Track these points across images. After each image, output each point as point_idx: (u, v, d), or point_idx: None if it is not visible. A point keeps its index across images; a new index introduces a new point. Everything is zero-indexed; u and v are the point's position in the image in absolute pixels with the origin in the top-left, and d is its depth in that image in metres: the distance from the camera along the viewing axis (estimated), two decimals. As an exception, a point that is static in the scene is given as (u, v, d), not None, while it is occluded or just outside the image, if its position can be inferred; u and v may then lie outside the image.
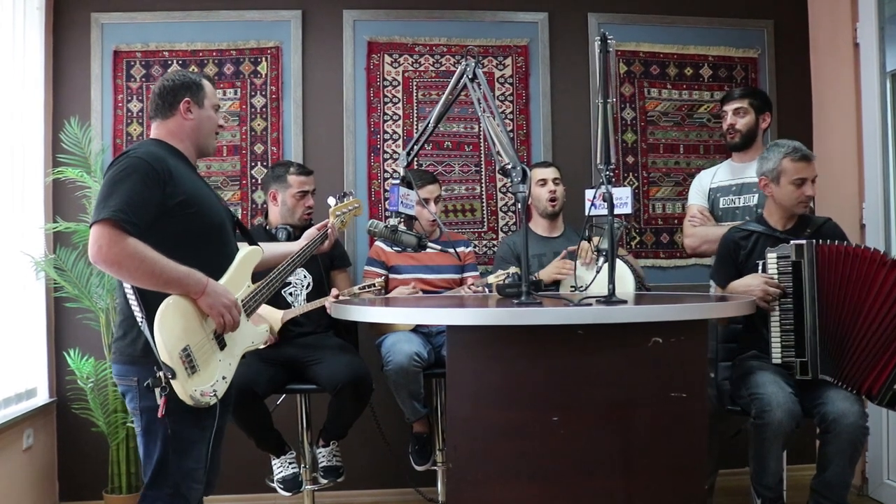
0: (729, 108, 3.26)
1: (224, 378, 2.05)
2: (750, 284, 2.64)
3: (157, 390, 1.90)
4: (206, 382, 1.98)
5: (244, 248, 2.23)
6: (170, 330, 1.91)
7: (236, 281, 2.15)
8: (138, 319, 1.96)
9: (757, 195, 3.15)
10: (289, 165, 3.22)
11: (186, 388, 1.91)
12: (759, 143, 3.27)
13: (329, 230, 2.57)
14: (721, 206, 3.25)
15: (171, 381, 1.89)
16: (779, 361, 2.61)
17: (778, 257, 2.63)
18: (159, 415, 1.91)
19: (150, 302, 1.93)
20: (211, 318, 2.01)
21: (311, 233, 2.57)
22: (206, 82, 2.23)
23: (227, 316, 2.03)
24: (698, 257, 3.60)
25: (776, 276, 2.62)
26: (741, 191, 3.21)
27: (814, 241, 2.61)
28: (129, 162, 1.97)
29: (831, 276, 2.56)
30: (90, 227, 1.90)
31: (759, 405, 2.50)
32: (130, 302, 1.98)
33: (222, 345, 2.07)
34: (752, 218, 3.05)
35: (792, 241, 2.63)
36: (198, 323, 2.00)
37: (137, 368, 2.00)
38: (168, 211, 2.00)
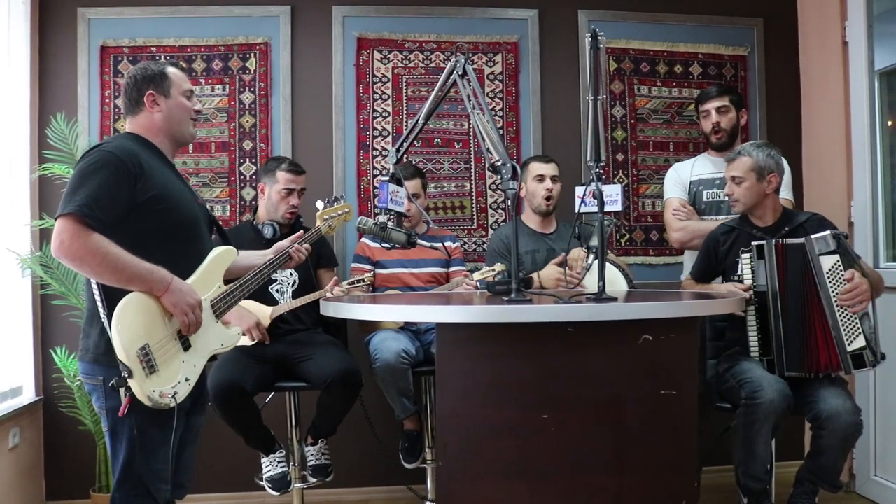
0: (711, 106, 3.24)
1: (187, 380, 1.98)
2: (729, 292, 2.68)
3: (122, 390, 1.86)
4: (167, 383, 1.92)
5: (217, 248, 2.16)
6: (128, 327, 1.85)
7: (206, 280, 2.09)
8: (101, 316, 1.93)
9: None
10: (282, 161, 3.19)
11: (144, 389, 1.86)
12: (738, 139, 3.29)
13: (292, 252, 2.43)
14: (705, 199, 3.25)
15: (129, 381, 1.84)
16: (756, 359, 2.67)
17: (749, 258, 2.67)
18: (120, 414, 1.88)
19: (114, 299, 1.88)
20: (174, 316, 1.96)
21: (281, 245, 2.46)
22: (171, 70, 2.14)
23: (191, 315, 1.97)
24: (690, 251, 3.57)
25: (749, 277, 2.66)
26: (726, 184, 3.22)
27: (774, 240, 2.64)
28: (100, 156, 1.93)
29: (788, 274, 2.60)
30: (55, 220, 1.87)
31: (750, 387, 2.53)
32: (95, 298, 1.94)
33: (186, 346, 2.01)
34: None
35: (753, 243, 2.67)
36: (160, 322, 1.94)
37: (102, 367, 1.95)
38: (138, 207, 1.96)
